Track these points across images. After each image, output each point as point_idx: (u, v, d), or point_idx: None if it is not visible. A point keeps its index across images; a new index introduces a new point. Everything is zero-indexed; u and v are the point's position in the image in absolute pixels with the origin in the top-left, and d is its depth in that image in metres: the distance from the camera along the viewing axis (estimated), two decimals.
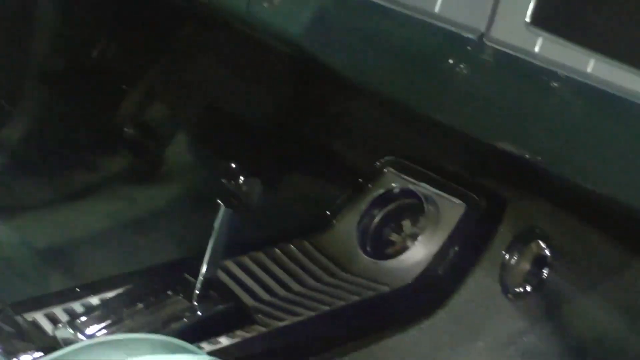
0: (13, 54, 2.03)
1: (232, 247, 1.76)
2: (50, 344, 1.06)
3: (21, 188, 2.05)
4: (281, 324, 1.64)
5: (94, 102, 2.16)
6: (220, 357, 1.04)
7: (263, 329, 1.62)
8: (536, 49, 1.11)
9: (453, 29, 1.17)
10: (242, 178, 1.45)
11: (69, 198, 2.05)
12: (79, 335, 1.47)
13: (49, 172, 2.09)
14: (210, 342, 1.55)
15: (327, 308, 1.69)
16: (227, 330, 1.58)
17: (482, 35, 1.14)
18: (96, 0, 2.10)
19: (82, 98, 2.14)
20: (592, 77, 1.09)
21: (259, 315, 1.65)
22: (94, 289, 1.64)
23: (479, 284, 1.75)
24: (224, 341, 1.56)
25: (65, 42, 2.08)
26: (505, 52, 1.16)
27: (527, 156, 1.32)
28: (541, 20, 1.10)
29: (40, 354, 1.04)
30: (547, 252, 1.76)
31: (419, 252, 1.79)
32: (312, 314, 1.67)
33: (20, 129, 2.10)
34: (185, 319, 1.56)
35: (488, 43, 1.14)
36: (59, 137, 2.14)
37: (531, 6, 1.10)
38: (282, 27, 1.40)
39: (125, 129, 2.19)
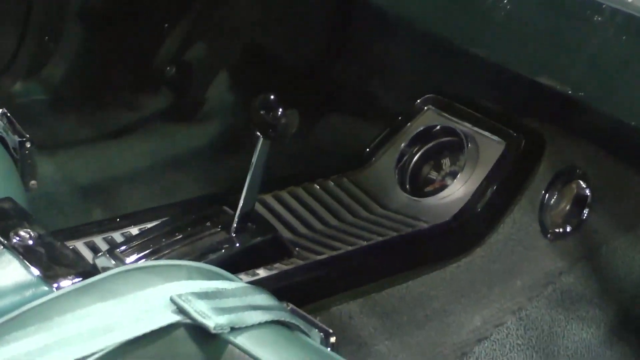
0: None
1: (271, 183, 1.79)
2: (90, 271, 1.06)
3: (64, 126, 2.08)
4: (318, 257, 1.64)
5: (136, 41, 2.17)
6: (260, 287, 1.04)
7: (300, 262, 1.62)
8: None
9: None
10: (280, 110, 1.45)
11: (111, 136, 2.08)
12: (119, 264, 1.50)
13: (90, 110, 2.12)
14: (248, 274, 1.56)
15: (364, 243, 1.69)
16: (265, 262, 1.59)
17: None
18: None
19: (124, 37, 2.15)
20: (634, 7, 1.07)
21: (297, 249, 1.66)
22: (134, 220, 1.65)
23: (518, 222, 1.75)
24: (262, 273, 1.57)
25: None
26: None
27: (569, 92, 1.31)
28: None
29: (80, 279, 1.04)
30: (587, 192, 1.76)
31: (457, 190, 1.78)
32: (349, 248, 1.67)
33: (62, 67, 2.12)
34: (223, 250, 1.56)
35: None
36: (100, 75, 2.16)
37: None
38: None
39: (167, 68, 2.20)
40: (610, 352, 1.70)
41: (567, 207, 1.76)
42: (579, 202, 1.76)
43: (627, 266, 1.76)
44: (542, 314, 1.68)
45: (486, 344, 1.64)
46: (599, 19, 1.18)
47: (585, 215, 1.75)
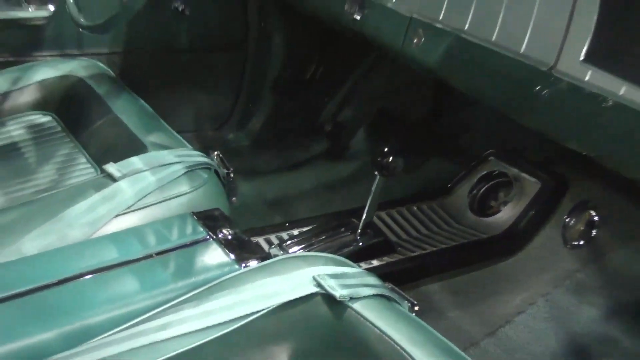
0: (257, 73, 2.08)
1: (387, 204, 1.78)
2: (266, 257, 1.08)
3: (259, 160, 2.10)
4: (413, 254, 1.63)
5: (309, 106, 2.19)
6: (371, 272, 1.04)
7: (400, 256, 1.62)
8: (586, 79, 1.06)
9: (531, 63, 1.12)
10: (391, 157, 1.45)
11: (289, 168, 2.09)
12: (284, 253, 1.53)
13: (277, 150, 2.14)
14: (366, 262, 1.57)
15: (443, 246, 1.68)
16: (377, 256, 1.60)
17: (551, 68, 1.10)
18: (310, 40, 2.11)
19: (302, 102, 2.16)
20: (623, 98, 1.04)
21: (399, 248, 1.65)
22: (296, 225, 1.67)
23: (547, 237, 1.70)
24: (375, 262, 1.58)
25: (290, 65, 2.10)
26: (568, 82, 1.11)
27: (586, 153, 1.27)
28: (591, 58, 1.05)
29: (259, 261, 1.06)
30: (596, 218, 1.69)
31: (507, 214, 1.75)
32: (434, 248, 1.67)
33: (260, 121, 2.14)
34: (352, 247, 1.58)
35: (555, 74, 1.09)
36: (284, 127, 2.18)
37: (584, 49, 1.05)
38: (423, 59, 1.37)
39: (325, 125, 2.22)
40: (610, 326, 1.63)
41: (582, 228, 1.70)
42: (590, 224, 1.70)
43: (625, 267, 1.68)
44: (562, 298, 1.62)
45: (523, 316, 1.60)
46: (607, 104, 1.13)
47: (594, 233, 1.69)
